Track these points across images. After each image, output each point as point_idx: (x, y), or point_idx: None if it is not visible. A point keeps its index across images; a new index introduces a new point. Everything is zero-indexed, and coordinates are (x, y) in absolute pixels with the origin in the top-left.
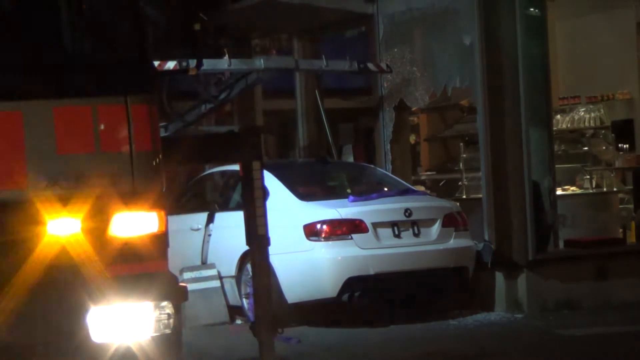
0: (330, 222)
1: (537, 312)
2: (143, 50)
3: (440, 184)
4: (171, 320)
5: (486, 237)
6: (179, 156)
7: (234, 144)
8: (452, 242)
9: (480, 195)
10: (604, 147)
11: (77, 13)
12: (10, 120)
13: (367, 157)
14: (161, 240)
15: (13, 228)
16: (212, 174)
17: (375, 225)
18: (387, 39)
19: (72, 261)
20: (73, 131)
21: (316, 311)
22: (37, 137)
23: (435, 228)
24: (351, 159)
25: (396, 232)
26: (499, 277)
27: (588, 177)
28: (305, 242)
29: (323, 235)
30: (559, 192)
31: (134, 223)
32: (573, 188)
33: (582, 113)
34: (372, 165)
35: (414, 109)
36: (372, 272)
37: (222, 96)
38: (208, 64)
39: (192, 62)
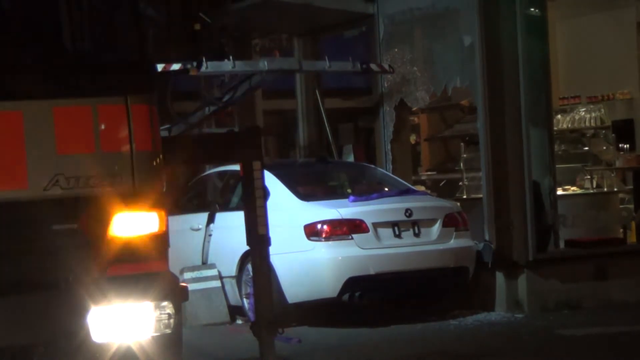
0: (331, 222)
1: (537, 312)
2: (143, 50)
3: (441, 184)
4: (171, 320)
5: (486, 237)
6: (180, 156)
7: (234, 144)
8: (453, 242)
9: (481, 195)
10: (604, 147)
11: (77, 13)
12: (11, 120)
13: (367, 157)
14: (162, 240)
15: (13, 228)
16: (212, 174)
17: (376, 225)
18: (388, 39)
19: (72, 261)
20: (73, 131)
21: (316, 311)
22: (38, 137)
23: (436, 228)
24: (351, 159)
25: (397, 232)
26: (499, 277)
27: (588, 177)
28: (306, 242)
29: (323, 235)
30: (559, 192)
31: (135, 223)
32: (573, 188)
33: (583, 113)
34: (373, 165)
35: (414, 108)
36: (372, 272)
37: (226, 98)
38: (212, 66)
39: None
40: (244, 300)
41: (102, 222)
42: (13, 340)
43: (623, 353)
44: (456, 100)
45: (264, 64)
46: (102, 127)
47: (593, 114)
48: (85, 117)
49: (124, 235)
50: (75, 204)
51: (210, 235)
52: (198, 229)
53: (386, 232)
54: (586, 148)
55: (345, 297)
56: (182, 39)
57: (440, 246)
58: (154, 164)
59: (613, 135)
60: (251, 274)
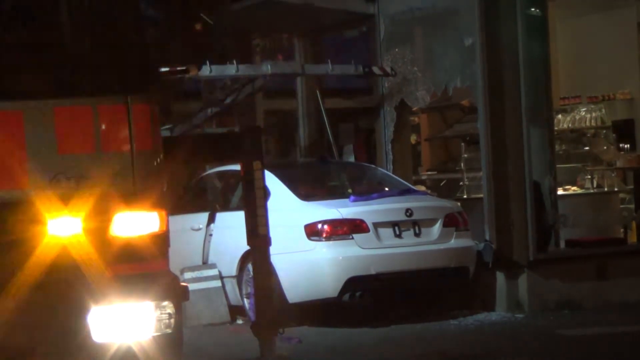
0: (331, 222)
1: (537, 312)
2: (144, 50)
3: (441, 184)
4: (172, 320)
5: (487, 237)
6: (180, 156)
7: (235, 143)
8: (453, 242)
9: (481, 195)
10: (605, 147)
11: (78, 12)
12: (11, 119)
13: (368, 157)
14: (162, 240)
15: (14, 228)
16: (212, 174)
17: (376, 225)
18: (388, 39)
19: (73, 261)
20: (74, 131)
21: (317, 311)
22: (38, 136)
23: (436, 228)
24: (352, 159)
25: (397, 232)
26: (500, 277)
27: (589, 177)
28: (306, 242)
29: (324, 235)
30: (560, 192)
31: (135, 223)
32: (574, 188)
33: (583, 113)
34: (373, 165)
35: (414, 108)
36: (373, 272)
37: (228, 100)
38: (216, 69)
39: (204, 67)
40: (245, 300)
41: (103, 221)
42: (13, 340)
43: (623, 353)
44: (456, 100)
45: (267, 68)
46: (103, 126)
47: (593, 114)
48: (85, 117)
49: (124, 235)
50: (76, 204)
51: (210, 235)
52: (198, 229)
53: (387, 232)
54: (587, 148)
55: (346, 297)
56: (183, 39)
57: (441, 246)
58: (155, 163)
59: (613, 135)
60: (251, 273)
